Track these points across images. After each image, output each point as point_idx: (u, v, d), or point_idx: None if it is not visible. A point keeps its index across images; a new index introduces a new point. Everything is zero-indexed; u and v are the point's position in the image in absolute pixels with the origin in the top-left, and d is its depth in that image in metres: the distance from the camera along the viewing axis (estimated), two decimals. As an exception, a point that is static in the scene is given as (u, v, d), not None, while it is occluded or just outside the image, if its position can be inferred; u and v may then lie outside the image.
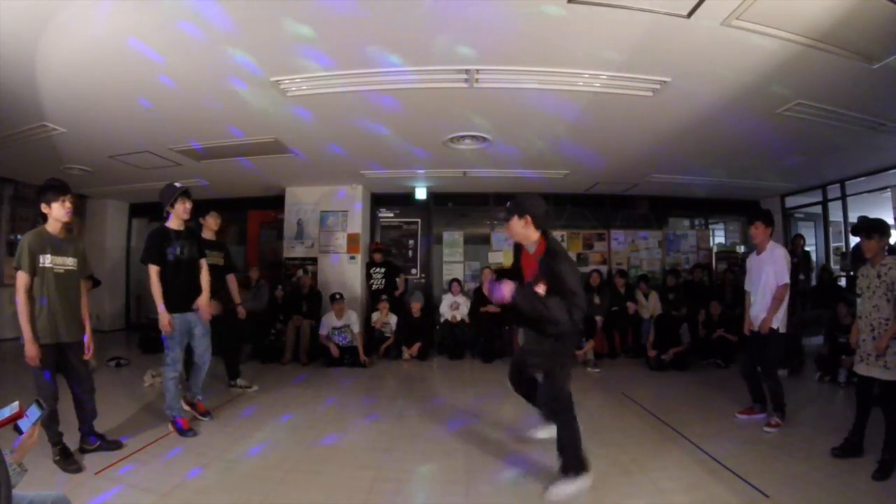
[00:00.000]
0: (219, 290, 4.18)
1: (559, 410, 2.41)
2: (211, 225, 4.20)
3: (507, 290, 2.25)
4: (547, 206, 2.47)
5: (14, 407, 1.45)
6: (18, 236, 7.76)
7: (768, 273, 3.38)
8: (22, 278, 2.55)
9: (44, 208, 2.65)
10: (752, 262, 3.58)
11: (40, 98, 3.54)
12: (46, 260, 2.61)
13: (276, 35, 2.73)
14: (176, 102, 3.67)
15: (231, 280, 4.33)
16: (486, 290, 2.51)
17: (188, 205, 3.31)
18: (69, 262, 2.72)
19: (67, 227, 2.73)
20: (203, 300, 3.35)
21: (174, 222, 3.28)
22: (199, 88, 3.41)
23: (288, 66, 3.11)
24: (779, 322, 3.33)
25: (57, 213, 2.64)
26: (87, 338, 2.87)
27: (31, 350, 2.54)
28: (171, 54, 2.93)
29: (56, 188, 2.65)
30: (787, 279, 3.32)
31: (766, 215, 3.53)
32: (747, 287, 3.62)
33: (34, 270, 2.58)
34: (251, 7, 2.46)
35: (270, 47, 2.87)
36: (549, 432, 2.73)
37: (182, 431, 3.13)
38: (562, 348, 2.44)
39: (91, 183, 6.50)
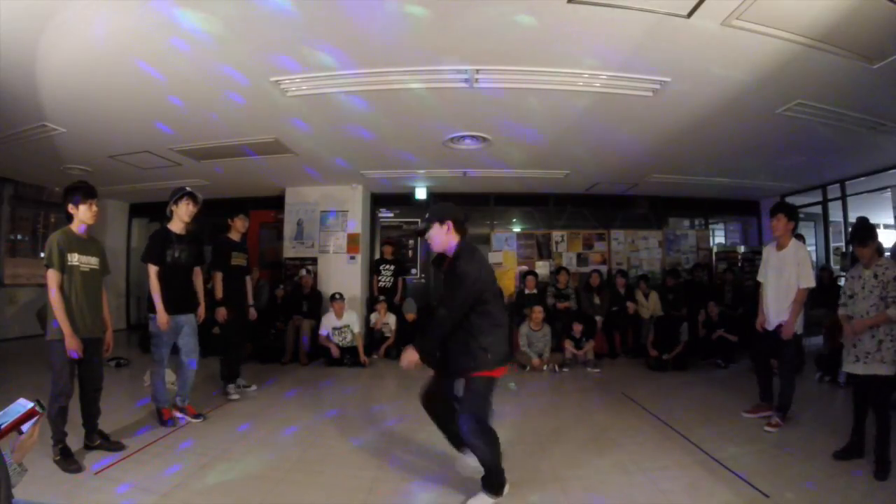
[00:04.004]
0: (240, 291, 4.28)
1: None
2: (238, 227, 4.32)
3: (408, 358, 2.30)
4: (464, 213, 2.42)
5: (25, 404, 1.46)
6: (19, 236, 7.78)
7: (790, 273, 3.29)
8: (54, 276, 2.61)
9: (70, 209, 2.73)
10: (771, 255, 3.47)
11: (40, 98, 3.54)
12: (74, 258, 2.69)
13: (277, 35, 2.73)
14: (176, 102, 3.66)
15: (247, 281, 4.45)
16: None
17: (192, 208, 3.36)
18: (93, 262, 2.81)
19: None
20: (200, 309, 3.48)
21: (175, 224, 3.37)
22: (199, 88, 3.41)
23: (288, 66, 3.10)
24: (796, 324, 3.30)
25: (84, 215, 2.74)
26: (109, 335, 2.95)
27: (72, 343, 2.61)
28: (171, 55, 2.92)
29: (85, 191, 2.75)
30: (812, 282, 3.27)
31: (789, 208, 3.46)
32: (761, 278, 3.54)
33: (63, 268, 2.65)
34: (252, 7, 2.46)
35: (271, 47, 2.87)
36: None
37: (162, 421, 3.28)
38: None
39: (91, 183, 6.48)
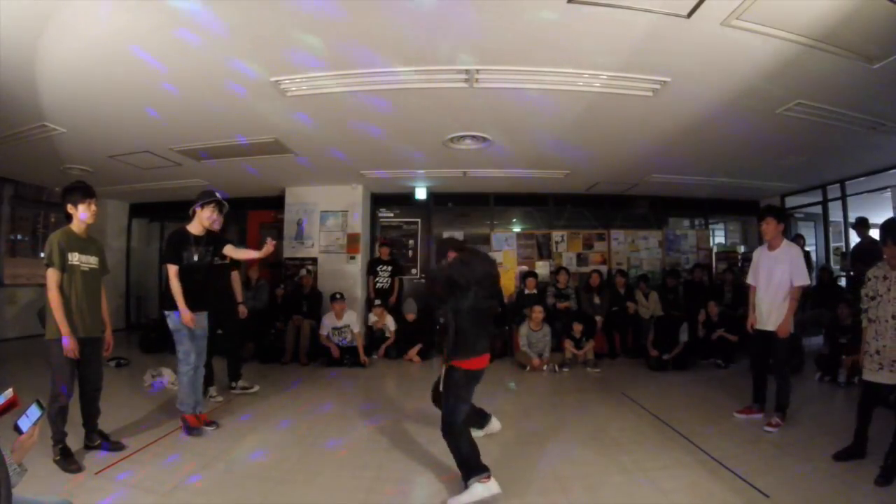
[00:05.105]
0: (223, 288, 4.21)
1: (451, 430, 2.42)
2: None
3: None
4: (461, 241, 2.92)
5: (8, 394, 1.45)
6: (19, 236, 7.78)
7: (783, 272, 3.32)
8: (54, 275, 2.63)
9: (69, 209, 2.75)
10: (762, 256, 3.50)
11: (40, 98, 3.54)
12: (74, 258, 2.70)
13: (276, 35, 2.73)
14: (175, 103, 3.66)
15: (234, 277, 4.40)
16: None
17: (214, 215, 3.35)
18: (92, 261, 2.82)
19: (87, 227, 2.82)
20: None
21: (195, 226, 3.31)
22: (198, 88, 3.40)
23: (288, 67, 3.11)
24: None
25: (82, 214, 2.75)
26: (108, 334, 2.95)
27: (70, 343, 2.62)
28: (171, 55, 2.92)
29: (83, 190, 2.77)
30: (806, 280, 3.28)
31: (777, 211, 3.50)
32: (751, 280, 3.56)
33: (64, 267, 2.66)
34: (252, 7, 2.46)
35: (271, 47, 2.87)
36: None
37: (189, 429, 3.14)
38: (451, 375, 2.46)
39: (91, 183, 6.40)
